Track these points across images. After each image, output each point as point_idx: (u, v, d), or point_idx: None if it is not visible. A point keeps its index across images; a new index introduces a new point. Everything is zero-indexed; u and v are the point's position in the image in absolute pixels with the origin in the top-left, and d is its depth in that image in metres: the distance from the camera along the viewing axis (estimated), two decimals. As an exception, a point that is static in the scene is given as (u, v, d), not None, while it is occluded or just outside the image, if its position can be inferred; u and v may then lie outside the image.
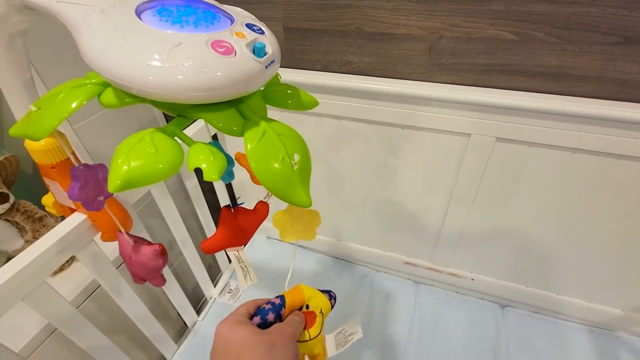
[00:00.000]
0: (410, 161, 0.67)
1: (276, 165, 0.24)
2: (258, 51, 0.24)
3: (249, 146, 0.25)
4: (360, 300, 0.85)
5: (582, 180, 0.56)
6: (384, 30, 0.55)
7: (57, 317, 0.49)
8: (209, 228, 0.82)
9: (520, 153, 0.57)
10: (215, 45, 0.22)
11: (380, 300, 0.85)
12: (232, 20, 0.26)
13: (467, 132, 0.58)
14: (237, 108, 0.26)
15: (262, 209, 0.45)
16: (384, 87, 0.58)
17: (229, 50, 0.23)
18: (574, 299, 0.74)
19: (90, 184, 0.34)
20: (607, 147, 0.51)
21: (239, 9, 0.29)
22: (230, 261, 0.98)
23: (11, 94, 0.37)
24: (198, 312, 0.84)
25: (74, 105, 0.24)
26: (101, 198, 0.37)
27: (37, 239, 0.69)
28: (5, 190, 0.64)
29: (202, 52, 0.22)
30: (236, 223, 0.43)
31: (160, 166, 0.22)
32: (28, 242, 0.70)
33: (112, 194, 0.39)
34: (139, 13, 0.24)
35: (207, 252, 0.42)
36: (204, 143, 0.25)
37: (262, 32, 0.27)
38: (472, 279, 0.81)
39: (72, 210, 0.50)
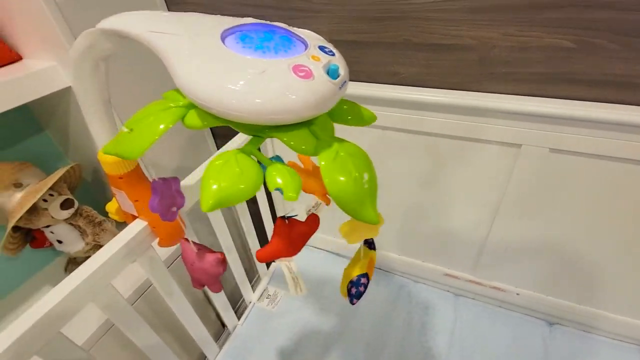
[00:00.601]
0: (455, 172, 0.66)
1: (349, 184, 0.25)
2: (332, 73, 0.25)
3: (323, 163, 0.26)
4: (398, 310, 0.84)
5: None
6: (434, 40, 0.55)
7: (118, 316, 0.52)
8: (250, 235, 0.85)
9: (574, 164, 0.55)
10: (296, 69, 0.24)
11: (419, 312, 0.84)
12: (306, 44, 0.27)
13: (518, 143, 0.56)
14: (309, 128, 0.27)
15: (313, 221, 0.46)
16: (432, 97, 0.57)
17: (308, 74, 0.24)
18: (629, 318, 0.69)
19: (166, 197, 0.36)
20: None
21: (307, 31, 0.30)
22: (267, 267, 1.00)
23: (91, 113, 0.40)
24: (237, 315, 0.86)
25: (162, 127, 0.26)
26: (174, 209, 0.39)
27: (97, 241, 0.75)
28: (71, 197, 0.69)
29: (285, 77, 0.23)
30: (290, 234, 0.44)
31: (244, 186, 0.23)
32: (88, 244, 0.75)
33: (182, 205, 0.41)
34: (223, 40, 0.25)
35: (262, 261, 0.43)
36: (280, 163, 0.26)
37: (333, 54, 0.27)
38: (517, 294, 0.78)
39: (134, 217, 0.54)
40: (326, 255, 0.99)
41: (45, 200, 0.66)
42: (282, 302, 0.89)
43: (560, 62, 0.49)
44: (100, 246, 0.77)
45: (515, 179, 0.61)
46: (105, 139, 0.43)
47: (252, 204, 0.83)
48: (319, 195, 0.51)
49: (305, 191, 0.52)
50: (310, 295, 0.90)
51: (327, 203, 0.51)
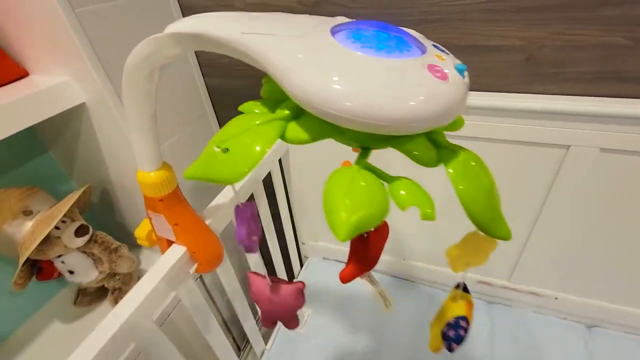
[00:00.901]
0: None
1: (485, 195, 0.22)
2: (460, 73, 0.22)
3: (452, 172, 0.23)
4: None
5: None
6: (476, 42, 0.53)
7: (152, 348, 0.46)
8: (276, 253, 0.80)
9: (626, 164, 0.53)
10: (432, 70, 0.20)
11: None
12: (421, 43, 0.24)
13: (566, 144, 0.55)
14: (427, 135, 0.24)
15: (384, 229, 0.43)
16: (475, 100, 0.55)
17: (444, 75, 0.21)
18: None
19: (248, 224, 0.32)
20: None
21: (408, 29, 0.27)
22: None
23: (137, 128, 0.36)
24: (265, 340, 0.81)
25: (261, 148, 0.22)
26: (255, 238, 0.35)
27: (114, 269, 0.68)
28: (85, 222, 0.63)
29: (426, 80, 0.20)
30: (367, 247, 0.41)
31: (380, 208, 0.20)
32: (102, 273, 0.69)
33: (259, 233, 0.36)
34: (341, 37, 0.22)
35: (346, 282, 0.40)
36: (405, 178, 0.22)
37: (447, 53, 0.25)
38: (556, 298, 0.76)
39: (169, 243, 0.49)
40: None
41: (57, 228, 0.60)
42: (310, 322, 0.84)
43: (613, 60, 0.48)
44: (116, 274, 0.71)
45: (561, 181, 0.59)
46: (148, 156, 0.39)
47: (277, 221, 0.79)
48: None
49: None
50: (338, 311, 0.85)
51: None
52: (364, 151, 0.24)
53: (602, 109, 0.50)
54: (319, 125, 0.23)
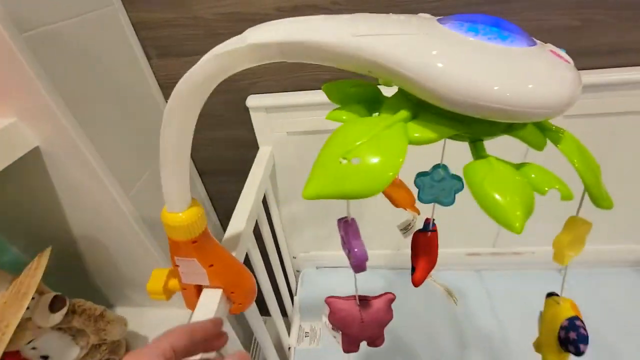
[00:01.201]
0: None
1: (594, 169, 0.24)
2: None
3: (565, 149, 0.24)
4: (435, 305, 0.84)
5: None
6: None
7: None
8: (277, 268, 0.76)
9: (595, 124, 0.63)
10: (556, 55, 0.21)
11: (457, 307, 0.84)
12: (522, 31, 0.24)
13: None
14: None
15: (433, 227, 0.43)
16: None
17: (566, 59, 0.21)
18: (629, 245, 0.82)
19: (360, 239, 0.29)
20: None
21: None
22: (292, 302, 0.90)
23: (172, 160, 0.30)
24: (284, 367, 0.76)
25: (404, 146, 0.20)
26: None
27: (103, 339, 0.57)
28: (57, 293, 0.51)
29: (560, 64, 0.20)
30: (430, 245, 0.41)
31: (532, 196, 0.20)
32: (83, 349, 0.57)
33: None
34: (460, 30, 0.21)
35: (419, 285, 0.39)
36: (530, 163, 0.23)
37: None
38: (533, 252, 0.86)
39: (198, 289, 0.42)
40: (343, 272, 0.95)
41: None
42: (324, 336, 0.81)
43: (570, 38, 0.56)
44: (101, 345, 0.59)
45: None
46: (180, 194, 0.33)
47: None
48: (407, 206, 0.48)
49: (394, 203, 0.48)
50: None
51: (418, 213, 0.48)
52: (479, 143, 0.24)
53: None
54: (441, 122, 0.22)
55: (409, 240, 0.46)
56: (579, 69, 0.52)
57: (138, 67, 0.62)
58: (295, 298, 0.90)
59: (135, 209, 0.56)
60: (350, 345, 0.38)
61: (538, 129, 0.25)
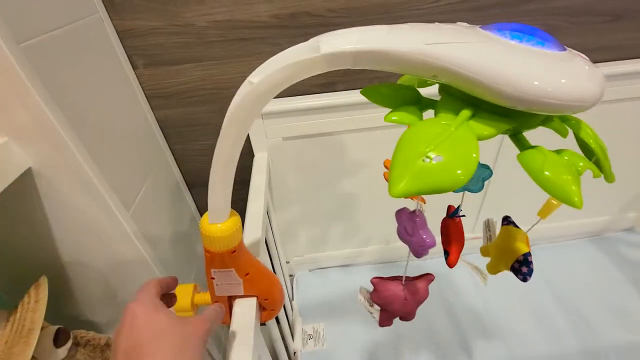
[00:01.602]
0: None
1: (605, 150, 0.29)
2: None
3: (583, 135, 0.28)
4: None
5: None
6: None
7: None
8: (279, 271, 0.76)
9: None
10: (584, 58, 0.25)
11: (445, 286, 0.90)
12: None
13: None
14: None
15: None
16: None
17: (590, 62, 0.25)
18: (583, 220, 0.94)
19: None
20: None
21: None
22: (291, 306, 0.89)
23: (221, 172, 0.30)
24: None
25: (475, 154, 0.23)
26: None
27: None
28: (63, 326, 0.47)
29: (590, 65, 0.24)
30: (460, 229, 0.44)
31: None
32: (88, 383, 0.52)
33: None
34: (506, 37, 0.24)
35: (453, 266, 0.42)
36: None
37: None
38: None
39: (230, 300, 0.42)
40: (336, 271, 0.97)
41: (28, 346, 0.43)
42: (328, 336, 0.83)
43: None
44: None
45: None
46: (224, 206, 0.33)
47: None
48: (415, 196, 0.51)
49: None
50: (348, 314, 0.86)
51: (425, 202, 0.52)
52: (521, 135, 0.27)
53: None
54: (496, 118, 0.25)
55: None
56: None
57: (124, 77, 0.59)
58: (293, 303, 0.90)
59: (137, 227, 0.53)
60: (386, 321, 0.41)
61: (561, 120, 0.29)
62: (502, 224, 0.46)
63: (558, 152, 0.27)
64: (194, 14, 0.56)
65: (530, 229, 0.43)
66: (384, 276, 0.40)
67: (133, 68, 0.61)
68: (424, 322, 0.83)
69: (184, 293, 0.42)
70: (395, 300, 0.39)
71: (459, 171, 0.22)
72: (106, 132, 0.53)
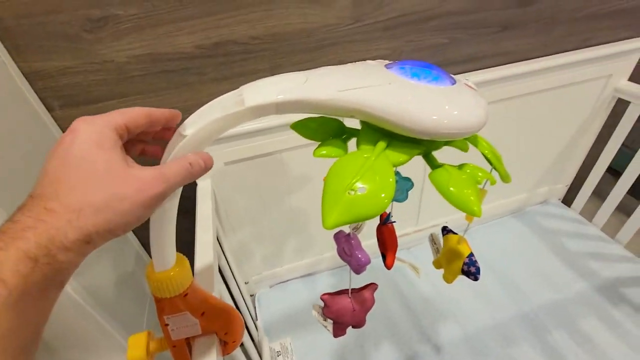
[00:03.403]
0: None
1: (499, 157, 0.34)
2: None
3: (481, 148, 0.33)
4: (384, 294, 0.94)
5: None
6: (360, 56, 0.67)
7: None
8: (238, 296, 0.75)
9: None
10: (469, 87, 0.30)
11: (400, 283, 0.96)
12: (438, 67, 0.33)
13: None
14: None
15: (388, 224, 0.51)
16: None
17: (474, 89, 0.30)
18: (506, 200, 1.07)
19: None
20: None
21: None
22: (255, 325, 0.88)
23: (164, 218, 0.30)
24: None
25: (391, 179, 0.26)
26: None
27: None
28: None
29: (475, 94, 0.29)
30: (392, 232, 0.48)
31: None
32: None
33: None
34: (408, 77, 0.28)
35: (391, 267, 0.46)
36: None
37: None
38: (446, 222, 1.05)
39: (188, 342, 0.41)
40: (296, 283, 0.99)
41: None
42: (296, 349, 0.84)
43: (440, 52, 0.72)
44: None
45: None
46: (170, 251, 0.33)
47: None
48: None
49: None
50: (313, 324, 0.88)
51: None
52: (431, 155, 0.32)
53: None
54: (407, 145, 0.29)
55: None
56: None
57: (39, 121, 0.55)
58: (257, 323, 0.90)
59: (82, 287, 0.50)
60: (340, 331, 0.44)
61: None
62: (443, 235, 0.51)
63: (461, 166, 0.31)
64: (111, 50, 0.54)
65: (465, 231, 0.48)
66: (332, 291, 0.43)
67: (49, 110, 0.56)
68: (383, 316, 0.88)
69: (137, 343, 0.41)
70: (345, 313, 0.41)
71: (383, 194, 0.25)
72: (23, 181, 0.48)
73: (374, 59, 0.67)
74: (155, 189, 0.23)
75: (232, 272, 0.76)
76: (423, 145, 0.30)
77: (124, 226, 0.22)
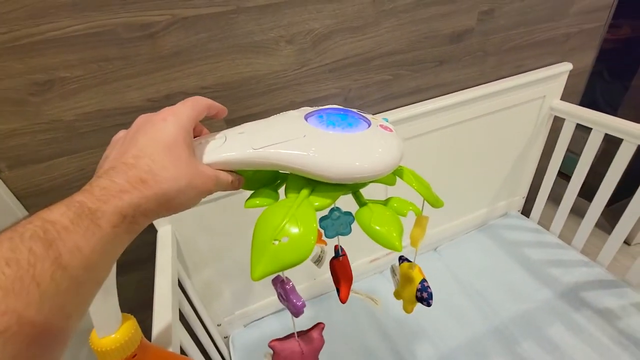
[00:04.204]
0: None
1: (428, 187, 0.37)
2: (386, 122, 0.36)
3: (406, 180, 0.36)
4: (357, 315, 0.95)
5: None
6: (310, 96, 0.71)
7: None
8: (208, 343, 0.73)
9: (419, 144, 0.85)
10: (384, 128, 0.33)
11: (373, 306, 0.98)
12: (355, 111, 0.36)
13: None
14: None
15: (343, 251, 0.52)
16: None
17: (391, 129, 0.33)
18: (470, 215, 1.12)
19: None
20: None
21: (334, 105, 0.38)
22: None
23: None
24: None
25: (314, 224, 0.28)
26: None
27: None
28: None
29: (390, 136, 0.32)
30: (346, 266, 0.49)
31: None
32: None
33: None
34: (323, 126, 0.31)
35: (345, 301, 0.47)
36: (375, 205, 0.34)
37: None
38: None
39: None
40: (271, 319, 0.97)
41: None
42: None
43: (386, 88, 0.77)
44: None
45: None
46: (115, 315, 0.33)
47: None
48: (316, 242, 0.56)
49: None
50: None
51: (325, 244, 0.57)
52: (358, 193, 0.34)
53: (400, 116, 0.78)
54: (331, 189, 0.31)
55: (322, 269, 0.55)
56: (398, 107, 0.70)
57: (-15, 186, 0.54)
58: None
59: None
60: None
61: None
62: (399, 264, 0.53)
63: (387, 201, 0.34)
64: (59, 109, 0.55)
65: (415, 258, 0.50)
66: (281, 337, 0.43)
67: (-5, 173, 0.56)
68: (357, 341, 0.88)
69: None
70: (294, 357, 0.42)
71: (305, 241, 0.27)
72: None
73: (325, 98, 0.72)
74: (210, 186, 0.28)
75: (199, 316, 0.75)
76: (347, 187, 0.32)
77: (182, 208, 0.27)
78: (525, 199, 1.19)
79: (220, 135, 0.30)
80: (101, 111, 0.57)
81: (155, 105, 0.59)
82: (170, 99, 0.60)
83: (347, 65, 0.70)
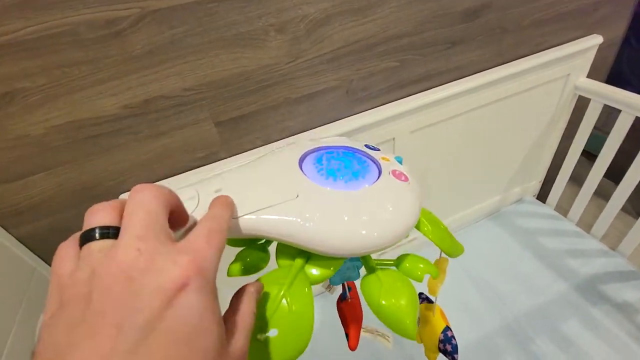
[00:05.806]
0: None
1: (447, 236, 0.31)
2: (400, 163, 0.29)
3: (430, 236, 0.30)
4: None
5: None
6: (307, 91, 0.63)
7: None
8: None
9: (424, 136, 0.78)
10: (396, 175, 0.27)
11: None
12: (369, 154, 0.29)
13: (392, 137, 0.74)
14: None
15: (354, 286, 0.47)
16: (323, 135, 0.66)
17: (406, 177, 0.27)
18: (482, 203, 1.06)
19: None
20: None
21: (335, 137, 0.32)
22: None
23: None
24: None
25: (311, 302, 0.23)
26: None
27: None
28: None
29: (406, 190, 0.26)
30: (354, 307, 0.45)
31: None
32: None
33: None
34: (322, 184, 0.25)
35: (355, 348, 0.42)
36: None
37: (379, 149, 0.31)
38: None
39: None
40: None
41: None
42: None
43: (393, 76, 0.69)
44: None
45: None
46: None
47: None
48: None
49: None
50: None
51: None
52: (367, 256, 0.28)
53: (407, 107, 0.70)
54: (328, 261, 0.25)
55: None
56: (406, 96, 0.62)
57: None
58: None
59: None
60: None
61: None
62: (420, 303, 0.45)
63: (399, 261, 0.28)
64: (25, 124, 0.49)
65: (436, 299, 0.43)
66: None
67: (-35, 196, 0.51)
68: (367, 347, 0.86)
69: None
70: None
71: (298, 339, 0.22)
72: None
73: (323, 91, 0.64)
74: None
75: None
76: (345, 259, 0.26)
77: None
78: (541, 183, 1.12)
79: (191, 193, 0.23)
80: (73, 122, 0.51)
81: (134, 112, 0.53)
82: (149, 104, 0.53)
83: (348, 53, 0.62)
